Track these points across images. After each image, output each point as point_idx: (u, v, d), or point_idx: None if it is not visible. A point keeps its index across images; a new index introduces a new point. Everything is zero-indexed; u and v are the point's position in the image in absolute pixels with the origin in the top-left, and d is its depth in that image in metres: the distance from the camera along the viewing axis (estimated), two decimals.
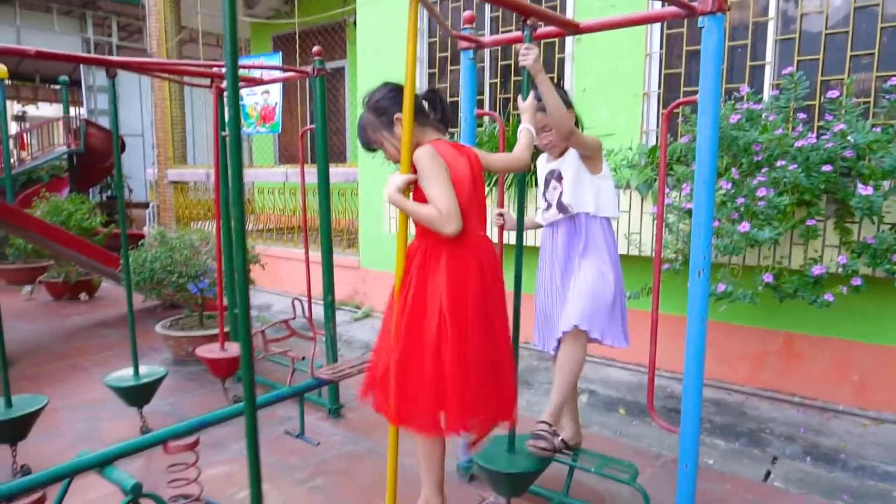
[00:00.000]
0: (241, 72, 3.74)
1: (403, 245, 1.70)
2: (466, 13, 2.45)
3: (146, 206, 11.57)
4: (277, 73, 4.47)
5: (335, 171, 6.30)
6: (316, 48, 3.15)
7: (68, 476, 2.12)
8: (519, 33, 2.19)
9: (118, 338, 5.34)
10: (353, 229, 6.50)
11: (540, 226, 2.65)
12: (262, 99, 7.16)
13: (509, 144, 3.26)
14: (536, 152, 2.58)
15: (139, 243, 4.62)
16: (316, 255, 6.22)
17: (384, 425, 3.41)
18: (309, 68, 3.16)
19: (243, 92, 7.03)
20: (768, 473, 2.95)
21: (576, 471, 2.57)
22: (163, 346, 4.80)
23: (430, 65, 5.29)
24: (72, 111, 10.55)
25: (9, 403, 2.71)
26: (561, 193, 2.46)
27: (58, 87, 11.22)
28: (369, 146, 1.95)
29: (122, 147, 10.40)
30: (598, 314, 2.33)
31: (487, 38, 2.52)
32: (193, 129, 9.52)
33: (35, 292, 6.90)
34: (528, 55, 2.04)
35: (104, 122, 11.58)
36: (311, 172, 6.62)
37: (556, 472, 2.56)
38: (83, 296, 6.77)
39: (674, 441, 3.26)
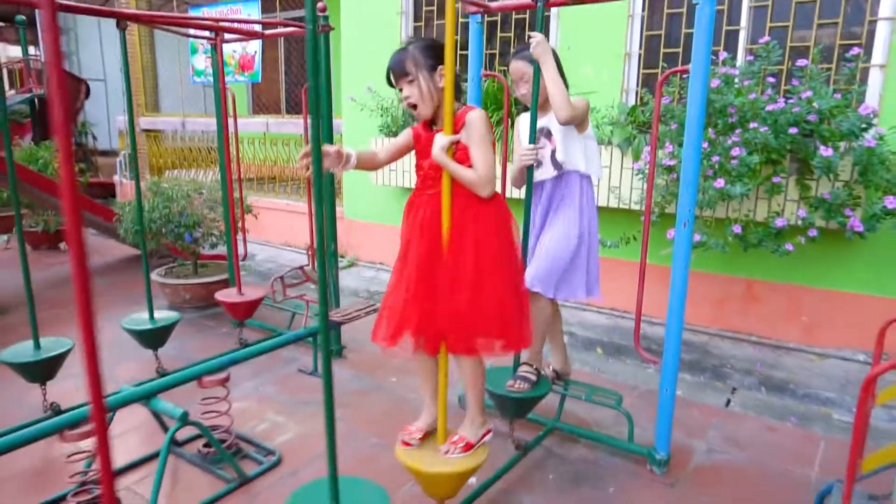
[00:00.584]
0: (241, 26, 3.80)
1: (449, 203, 1.88)
2: None
3: (113, 153, 11.34)
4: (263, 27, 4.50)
5: None
6: (321, 3, 3.25)
7: (118, 407, 2.34)
8: (528, 1, 2.38)
9: (106, 285, 5.43)
10: (336, 180, 6.62)
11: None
12: (240, 47, 7.10)
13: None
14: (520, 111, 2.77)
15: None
16: (301, 205, 6.35)
17: (385, 364, 3.72)
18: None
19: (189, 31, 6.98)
20: (728, 401, 3.35)
21: (566, 401, 2.91)
22: (158, 293, 4.93)
23: (416, 18, 5.37)
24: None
25: (37, 346, 2.87)
26: (554, 150, 2.56)
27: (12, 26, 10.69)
28: (402, 75, 1.93)
29: (87, 93, 10.09)
30: (551, 276, 2.52)
31: (495, 3, 2.69)
32: (160, 75, 9.30)
33: (12, 241, 6.85)
34: (532, 41, 2.24)
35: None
36: (290, 123, 6.67)
37: (549, 401, 2.88)
38: (63, 245, 6.76)
39: (647, 375, 3.65)
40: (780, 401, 3.37)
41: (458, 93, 2.06)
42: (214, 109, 3.77)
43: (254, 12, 6.85)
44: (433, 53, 1.92)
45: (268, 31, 3.48)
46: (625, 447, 2.68)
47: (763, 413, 3.19)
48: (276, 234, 6.70)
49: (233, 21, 3.48)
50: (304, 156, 1.75)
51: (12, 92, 9.69)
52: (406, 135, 2.08)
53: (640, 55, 4.29)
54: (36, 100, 9.46)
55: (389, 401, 3.24)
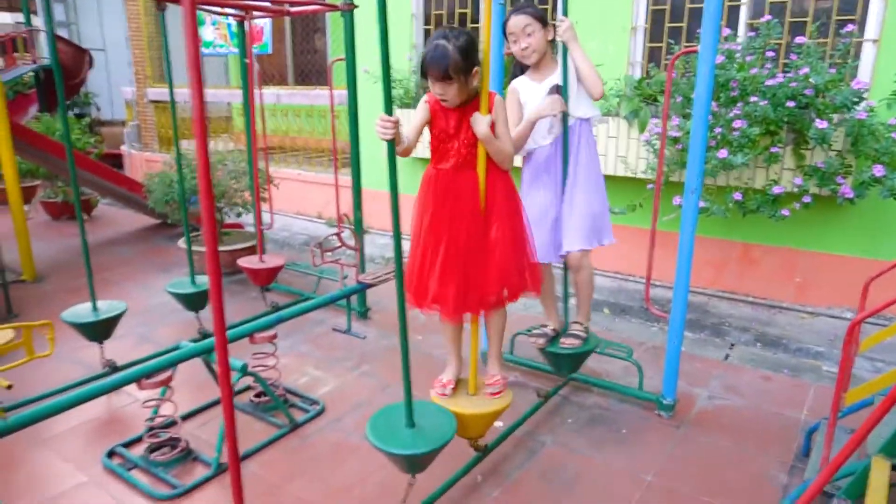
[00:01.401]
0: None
1: (483, 176, 2.13)
2: None
3: (117, 123, 11.41)
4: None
5: (325, 93, 6.53)
6: None
7: (181, 361, 2.59)
8: None
9: (133, 254, 5.66)
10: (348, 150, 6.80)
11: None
12: None
13: None
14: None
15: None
16: (324, 176, 6.55)
17: (410, 320, 3.98)
18: (339, 2, 3.43)
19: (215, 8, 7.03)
20: (727, 356, 3.65)
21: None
22: (183, 261, 5.17)
23: None
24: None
25: (95, 308, 3.12)
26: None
27: None
28: (443, 78, 1.98)
29: (91, 63, 10.12)
30: (595, 227, 2.80)
31: None
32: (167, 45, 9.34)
33: (32, 211, 7.03)
34: (562, 26, 2.44)
35: (63, 35, 11.12)
36: (299, 94, 6.79)
37: None
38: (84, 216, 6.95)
39: (651, 332, 3.94)
40: (774, 355, 3.66)
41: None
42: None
43: None
44: (471, 55, 1.98)
45: (294, 9, 3.64)
46: (635, 394, 2.97)
47: (759, 366, 3.49)
48: (289, 203, 6.90)
49: (264, 2, 3.64)
50: (388, 122, 1.85)
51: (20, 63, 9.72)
52: (423, 113, 2.13)
53: (645, 29, 4.47)
54: (41, 70, 9.52)
55: (416, 357, 3.48)
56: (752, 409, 2.97)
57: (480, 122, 2.04)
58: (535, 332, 2.94)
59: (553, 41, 2.69)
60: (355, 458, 2.56)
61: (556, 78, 2.71)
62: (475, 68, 2.02)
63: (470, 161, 2.12)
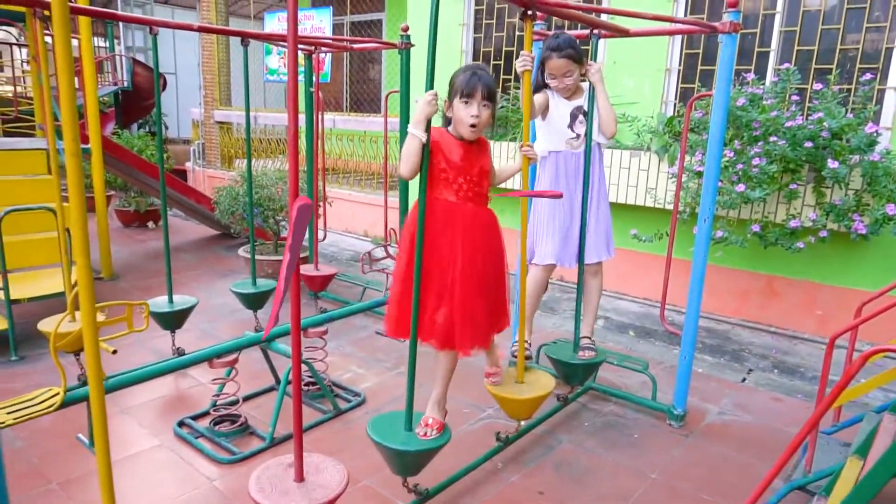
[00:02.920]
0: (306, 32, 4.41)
1: (522, 212, 2.43)
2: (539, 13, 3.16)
3: (184, 142, 12.24)
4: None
5: (377, 120, 7.01)
6: (403, 24, 3.85)
7: (245, 347, 2.99)
8: (584, 31, 2.93)
9: (196, 259, 6.18)
10: (395, 174, 7.25)
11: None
12: None
13: None
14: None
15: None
16: (371, 197, 7.00)
17: None
18: (398, 42, 3.87)
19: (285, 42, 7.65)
20: (743, 379, 3.84)
21: (600, 368, 3.45)
22: (242, 268, 5.65)
23: (476, 29, 5.94)
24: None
25: (171, 300, 3.56)
26: (585, 131, 2.91)
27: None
28: (489, 98, 2.11)
29: (164, 86, 10.97)
30: (609, 242, 3.13)
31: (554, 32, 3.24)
32: (234, 72, 10.09)
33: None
34: (591, 69, 2.75)
35: (141, 59, 12.07)
36: (353, 120, 7.28)
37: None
38: (151, 224, 7.57)
39: (672, 355, 4.16)
40: (791, 381, 3.84)
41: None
42: (285, 105, 4.32)
43: (326, 17, 7.51)
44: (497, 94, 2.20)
45: (356, 46, 4.09)
46: (648, 404, 3.22)
47: (774, 389, 3.67)
48: (338, 221, 7.37)
49: (330, 39, 4.11)
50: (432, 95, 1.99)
51: (105, 84, 10.60)
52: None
53: (679, 71, 4.78)
54: (119, 92, 10.39)
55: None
56: (759, 425, 3.18)
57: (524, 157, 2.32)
58: (584, 343, 3.07)
59: (584, 75, 2.90)
60: None
61: (582, 101, 2.96)
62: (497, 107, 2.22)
63: (472, 197, 2.17)
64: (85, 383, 2.66)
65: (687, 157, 4.12)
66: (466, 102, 2.10)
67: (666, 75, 4.79)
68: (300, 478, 1.74)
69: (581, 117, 2.97)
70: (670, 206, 4.45)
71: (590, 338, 3.13)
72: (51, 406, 2.20)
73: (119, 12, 2.84)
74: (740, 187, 3.63)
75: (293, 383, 1.80)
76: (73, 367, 2.78)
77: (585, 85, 2.91)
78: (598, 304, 3.25)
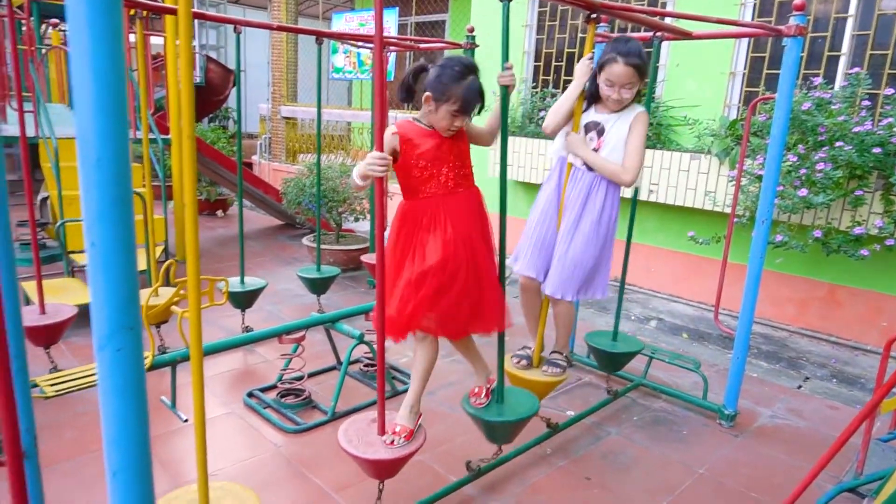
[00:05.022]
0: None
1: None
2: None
3: (250, 136, 12.76)
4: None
5: None
6: (469, 25, 3.99)
7: (311, 326, 3.18)
8: (646, 34, 2.99)
9: (261, 248, 6.49)
10: None
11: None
12: None
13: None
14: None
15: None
16: None
17: None
18: (463, 42, 4.01)
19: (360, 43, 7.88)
20: (799, 386, 3.80)
21: (651, 367, 3.50)
22: (305, 256, 5.92)
23: (539, 30, 6.02)
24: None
25: (242, 281, 3.80)
26: (596, 150, 2.54)
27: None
28: (475, 109, 2.05)
29: (234, 82, 11.47)
30: (573, 281, 2.54)
31: (618, 35, 3.30)
32: (301, 69, 10.46)
33: None
34: (640, 108, 2.54)
35: (214, 57, 12.65)
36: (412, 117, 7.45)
37: (637, 364, 3.47)
38: (220, 212, 7.97)
39: (725, 358, 4.15)
40: (849, 391, 3.78)
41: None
42: (346, 102, 4.53)
43: (392, 17, 7.73)
44: None
45: (423, 45, 4.25)
46: (699, 403, 3.25)
47: (831, 398, 3.63)
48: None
49: (396, 38, 4.28)
50: (384, 159, 1.89)
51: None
52: (390, 144, 2.02)
53: (744, 74, 4.74)
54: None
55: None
56: (812, 430, 3.16)
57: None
58: (516, 353, 2.79)
59: (640, 92, 2.59)
60: (444, 423, 3.02)
61: (603, 118, 2.56)
62: None
63: (460, 183, 2.08)
64: (164, 352, 2.91)
65: (748, 161, 4.10)
66: (455, 115, 1.98)
67: (730, 78, 4.75)
68: (382, 431, 1.98)
69: (592, 134, 2.56)
70: (729, 210, 4.42)
71: (561, 353, 2.75)
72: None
73: (206, 12, 3.07)
74: (803, 192, 3.60)
75: (377, 354, 1.97)
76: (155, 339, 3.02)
77: (634, 107, 2.54)
78: (571, 325, 2.83)
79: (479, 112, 2.05)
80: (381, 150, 1.90)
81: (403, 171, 2.07)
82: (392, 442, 2.03)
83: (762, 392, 3.59)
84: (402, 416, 2.15)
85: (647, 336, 4.44)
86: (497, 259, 2.22)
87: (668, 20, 3.04)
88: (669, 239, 5.14)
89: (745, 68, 4.73)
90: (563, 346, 2.78)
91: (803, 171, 3.71)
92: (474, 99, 1.98)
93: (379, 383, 1.99)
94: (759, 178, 3.94)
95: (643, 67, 2.45)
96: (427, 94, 2.01)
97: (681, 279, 5.14)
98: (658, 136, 4.97)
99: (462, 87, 1.95)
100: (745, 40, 4.68)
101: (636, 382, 3.43)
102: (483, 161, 6.48)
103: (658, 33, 2.80)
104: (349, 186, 5.44)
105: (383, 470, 2.04)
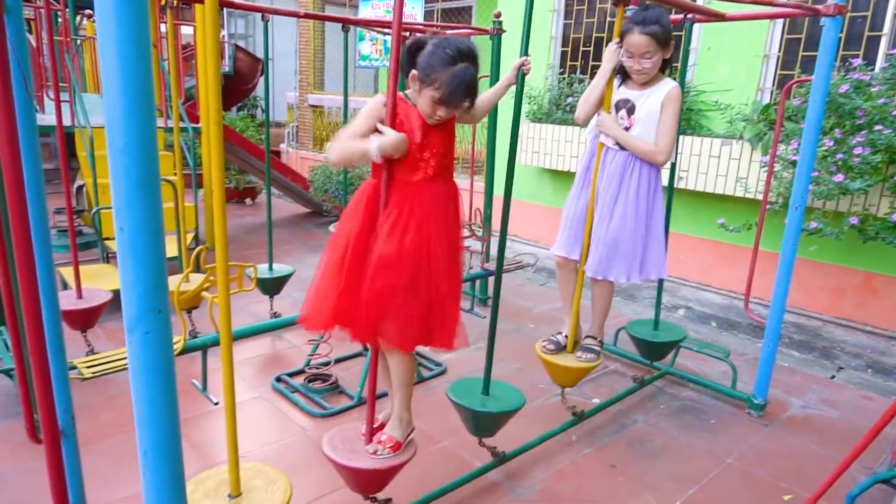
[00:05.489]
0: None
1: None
2: None
3: (277, 125, 12.87)
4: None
5: None
6: (496, 10, 3.95)
7: None
8: (677, 16, 2.93)
9: (290, 235, 6.57)
10: (480, 158, 7.38)
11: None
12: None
13: None
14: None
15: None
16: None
17: (525, 311, 4.43)
18: (490, 27, 3.97)
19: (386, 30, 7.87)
20: (833, 376, 3.72)
21: (678, 356, 3.46)
22: None
23: (567, 15, 5.94)
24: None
25: (271, 268, 3.85)
26: (627, 129, 2.51)
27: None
28: (467, 103, 1.86)
29: (263, 71, 11.55)
30: (612, 262, 2.53)
31: None
32: (328, 57, 10.50)
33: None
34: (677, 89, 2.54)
35: (242, 46, 12.77)
36: None
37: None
38: (248, 201, 8.08)
39: (755, 348, 4.07)
40: (885, 382, 3.68)
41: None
42: (373, 90, 4.55)
43: (418, 4, 7.69)
44: None
45: (449, 32, 4.22)
46: (727, 392, 3.20)
47: (866, 388, 3.54)
48: None
49: (422, 24, 4.26)
50: None
51: None
52: (379, 113, 1.79)
53: (778, 57, 4.61)
54: (222, 77, 11.05)
55: (528, 339, 3.95)
56: (845, 421, 3.10)
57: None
58: (548, 337, 2.72)
59: (668, 60, 2.50)
60: None
61: (634, 96, 2.52)
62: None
63: (441, 172, 1.86)
64: (195, 337, 2.96)
65: (782, 146, 4.00)
66: (437, 103, 1.76)
67: (764, 61, 4.63)
68: (370, 440, 1.94)
69: (623, 113, 2.52)
70: (761, 197, 4.32)
71: (595, 338, 2.72)
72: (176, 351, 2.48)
73: (234, 0, 3.09)
74: (839, 177, 3.50)
75: (370, 359, 1.95)
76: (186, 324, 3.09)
77: (665, 82, 2.49)
78: (608, 310, 2.76)
79: (468, 107, 1.85)
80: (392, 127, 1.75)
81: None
82: (376, 452, 1.91)
83: (793, 382, 3.52)
84: (392, 426, 2.00)
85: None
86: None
87: (699, 1, 2.96)
88: (699, 226, 5.05)
89: (779, 50, 4.60)
90: (598, 331, 2.75)
91: (840, 155, 3.60)
92: (459, 89, 1.74)
93: (370, 387, 1.94)
94: (793, 163, 3.84)
95: (661, 35, 2.38)
96: (413, 71, 1.79)
97: (710, 267, 5.05)
98: (688, 122, 4.87)
99: (449, 73, 1.72)
100: (780, 21, 4.55)
101: (663, 371, 3.40)
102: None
103: (689, 15, 2.73)
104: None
105: (364, 481, 1.92)
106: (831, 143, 3.65)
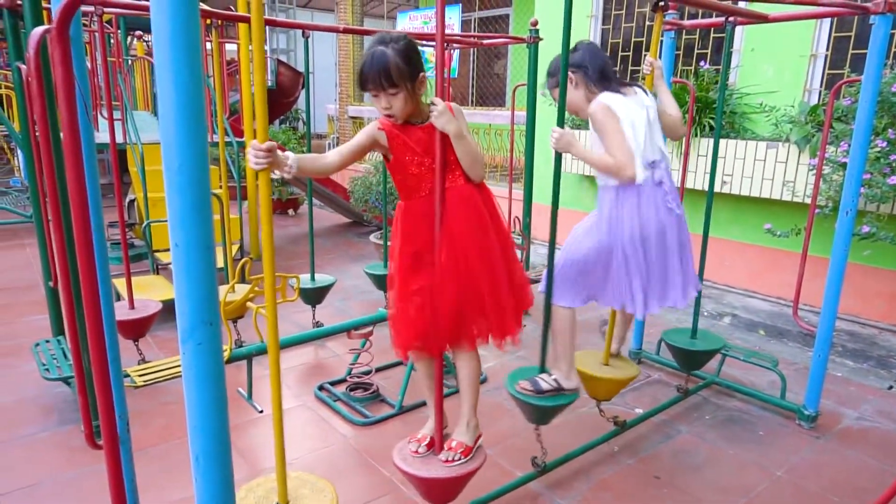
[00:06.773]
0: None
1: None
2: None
3: (318, 136, 13.13)
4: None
5: (502, 114, 7.15)
6: (533, 19, 3.96)
7: (379, 322, 3.25)
8: (718, 20, 2.88)
9: (331, 245, 6.68)
10: (519, 166, 7.37)
11: None
12: None
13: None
14: None
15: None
16: (494, 189, 7.17)
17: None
18: (527, 36, 3.98)
19: (423, 41, 7.94)
20: (890, 387, 3.57)
21: (724, 365, 3.37)
22: (372, 253, 6.04)
23: (605, 21, 5.90)
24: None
25: (312, 278, 3.93)
26: None
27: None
28: (387, 86, 1.77)
29: (304, 84, 11.82)
30: (560, 280, 2.36)
31: (688, 21, 3.20)
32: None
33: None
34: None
35: (284, 60, 13.09)
36: (479, 114, 7.45)
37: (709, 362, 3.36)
38: (291, 211, 8.25)
39: (805, 357, 3.95)
40: None
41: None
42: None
43: (455, 14, 7.76)
44: (414, 59, 1.79)
45: (486, 42, 4.25)
46: (776, 402, 3.11)
47: None
48: None
49: (460, 35, 4.30)
50: (259, 150, 1.60)
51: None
52: (366, 137, 1.87)
53: (826, 56, 4.48)
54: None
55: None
56: None
57: (449, 120, 1.75)
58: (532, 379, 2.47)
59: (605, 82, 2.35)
60: (509, 417, 3.03)
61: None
62: (421, 74, 1.80)
63: (432, 181, 1.85)
64: (241, 346, 3.04)
65: (831, 148, 3.88)
66: (374, 95, 1.80)
67: (811, 61, 4.50)
68: (440, 449, 1.97)
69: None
70: (809, 201, 4.20)
71: (548, 372, 2.41)
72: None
73: (276, 18, 3.19)
74: (893, 179, 3.38)
75: (436, 371, 1.99)
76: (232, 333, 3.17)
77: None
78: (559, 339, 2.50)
79: (403, 84, 1.75)
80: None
81: (399, 168, 1.88)
82: (449, 460, 1.92)
83: (847, 392, 3.40)
84: (459, 431, 2.05)
85: (720, 333, 4.28)
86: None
87: (741, 3, 2.91)
88: (745, 231, 4.93)
89: (827, 50, 4.47)
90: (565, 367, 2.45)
91: (894, 157, 3.47)
92: (367, 70, 1.74)
93: (437, 397, 1.97)
94: (843, 165, 3.72)
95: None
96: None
97: (757, 273, 4.92)
98: (732, 125, 4.77)
99: (360, 67, 1.79)
100: (827, 20, 4.42)
101: (708, 380, 3.33)
102: (550, 152, 6.41)
103: (731, 18, 2.69)
104: None
105: (440, 490, 1.92)
106: (884, 144, 3.53)
